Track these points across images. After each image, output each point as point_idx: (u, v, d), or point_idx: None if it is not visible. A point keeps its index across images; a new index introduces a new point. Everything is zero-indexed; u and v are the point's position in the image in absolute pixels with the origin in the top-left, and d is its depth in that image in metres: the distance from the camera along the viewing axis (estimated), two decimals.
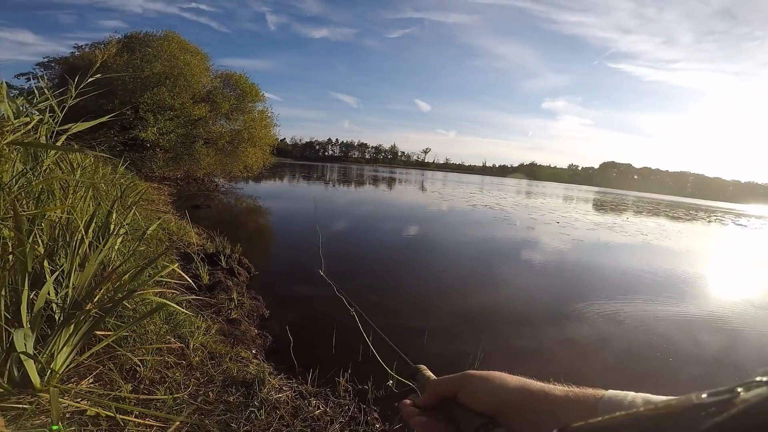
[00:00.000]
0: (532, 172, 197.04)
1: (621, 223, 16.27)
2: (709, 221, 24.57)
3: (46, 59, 17.17)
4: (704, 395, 0.21)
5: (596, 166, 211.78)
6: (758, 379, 0.20)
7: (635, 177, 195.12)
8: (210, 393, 1.91)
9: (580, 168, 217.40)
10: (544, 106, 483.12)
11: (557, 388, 0.42)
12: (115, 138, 11.62)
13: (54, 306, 1.60)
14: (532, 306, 4.93)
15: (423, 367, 0.58)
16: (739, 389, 0.20)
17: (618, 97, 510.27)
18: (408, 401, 0.51)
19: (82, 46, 17.15)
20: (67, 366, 1.42)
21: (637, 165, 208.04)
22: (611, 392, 0.38)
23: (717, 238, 16.29)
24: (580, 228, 12.87)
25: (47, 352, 1.33)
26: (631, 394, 0.36)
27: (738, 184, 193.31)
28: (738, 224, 25.17)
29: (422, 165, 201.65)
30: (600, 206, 27.26)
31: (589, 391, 0.40)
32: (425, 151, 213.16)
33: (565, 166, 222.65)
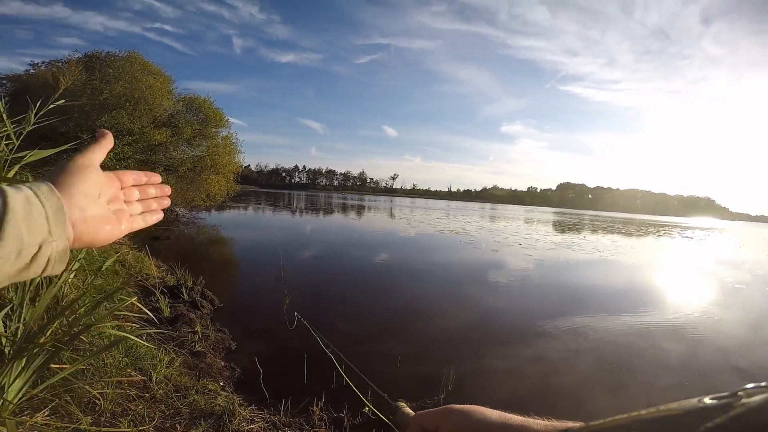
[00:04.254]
0: (495, 196, 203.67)
1: (579, 241, 17.07)
2: (659, 235, 26.23)
3: None
4: (706, 399, 0.22)
5: (554, 188, 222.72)
6: (761, 384, 0.21)
7: (590, 196, 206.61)
8: (177, 425, 1.81)
9: (538, 190, 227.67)
10: (502, 130, 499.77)
11: (537, 422, 0.41)
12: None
13: (3, 340, 1.49)
14: (500, 326, 5.03)
15: (402, 404, 0.58)
16: (741, 394, 0.21)
17: (570, 119, 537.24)
18: None
19: (37, 63, 16.23)
20: (20, 399, 1.32)
21: (591, 185, 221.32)
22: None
23: (667, 251, 17.40)
24: (541, 248, 13.37)
25: None
26: None
27: (681, 198, 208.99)
28: (684, 236, 27.08)
29: (390, 191, 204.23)
30: (559, 226, 28.48)
31: (570, 424, 0.40)
32: (393, 178, 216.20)
33: (524, 188, 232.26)
